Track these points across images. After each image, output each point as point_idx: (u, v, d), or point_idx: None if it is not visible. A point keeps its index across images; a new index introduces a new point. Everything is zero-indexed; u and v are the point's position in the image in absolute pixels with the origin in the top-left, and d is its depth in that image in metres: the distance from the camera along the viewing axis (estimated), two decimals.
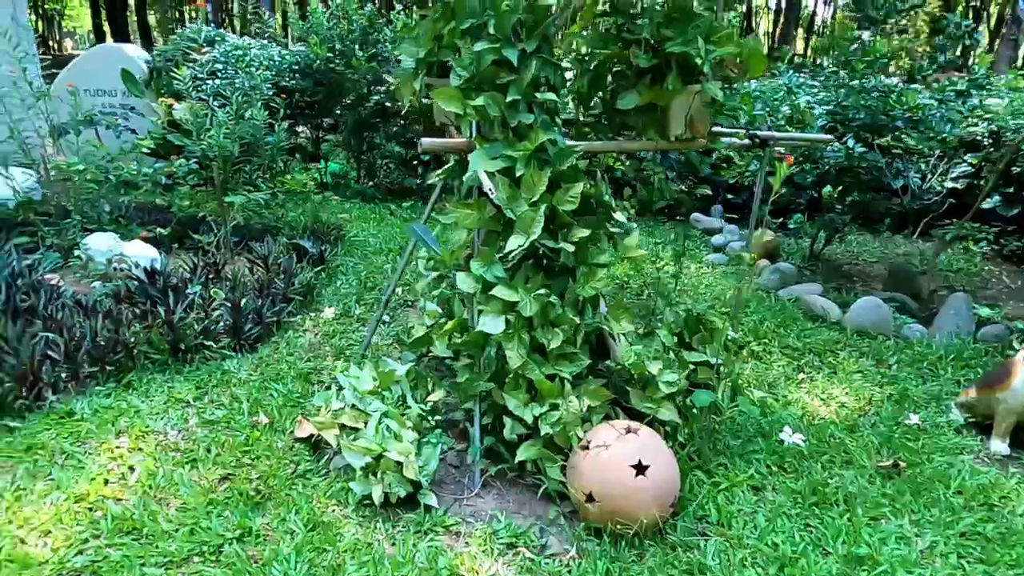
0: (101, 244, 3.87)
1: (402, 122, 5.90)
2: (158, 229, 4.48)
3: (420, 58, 3.18)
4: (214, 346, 3.18)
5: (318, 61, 5.71)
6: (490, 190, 2.38)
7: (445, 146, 2.66)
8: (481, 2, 2.63)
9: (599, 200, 2.71)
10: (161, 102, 5.41)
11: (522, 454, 2.38)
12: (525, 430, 2.41)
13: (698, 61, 2.45)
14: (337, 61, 5.70)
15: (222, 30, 6.44)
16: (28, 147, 4.35)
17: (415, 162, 6.22)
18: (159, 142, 4.35)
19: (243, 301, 3.42)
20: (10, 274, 3.41)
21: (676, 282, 4.27)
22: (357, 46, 5.70)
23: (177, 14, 29.40)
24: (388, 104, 5.65)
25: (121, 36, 21.50)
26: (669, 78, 2.54)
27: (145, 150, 4.34)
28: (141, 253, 3.82)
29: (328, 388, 2.95)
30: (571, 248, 2.46)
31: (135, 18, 26.49)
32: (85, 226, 4.34)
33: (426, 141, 2.57)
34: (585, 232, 2.47)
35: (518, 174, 2.45)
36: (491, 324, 2.38)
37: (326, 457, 2.50)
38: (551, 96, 2.50)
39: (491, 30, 2.52)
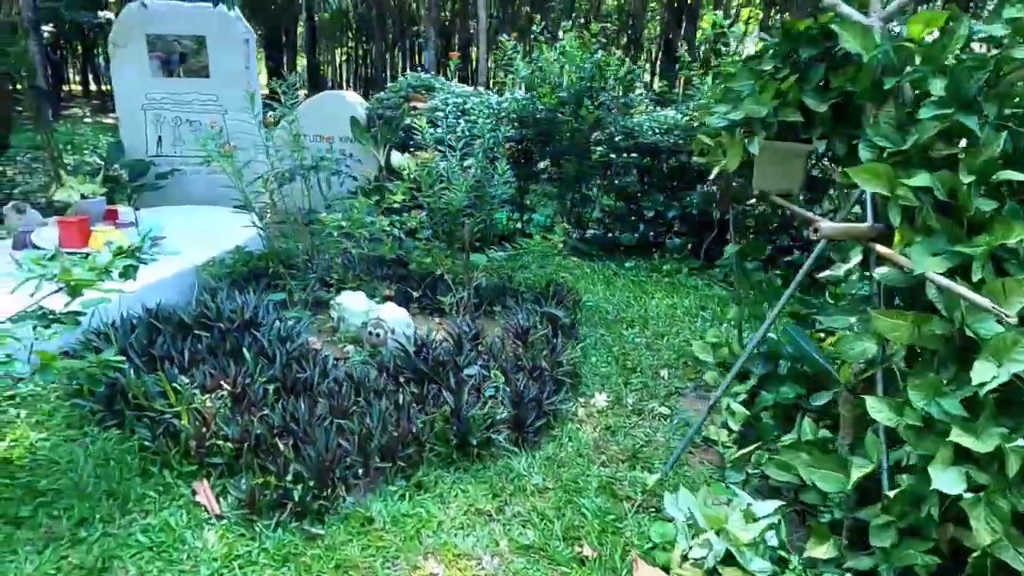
0: (356, 304, 3.66)
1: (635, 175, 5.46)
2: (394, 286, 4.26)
3: (760, 117, 2.69)
4: (501, 440, 2.78)
5: (543, 110, 5.41)
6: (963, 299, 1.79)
7: (849, 233, 2.11)
8: (898, 52, 2.08)
9: None
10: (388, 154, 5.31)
11: None
12: None
13: None
14: (563, 110, 5.38)
15: (441, 77, 6.37)
16: (251, 194, 4.29)
17: (632, 217, 5.74)
18: (406, 196, 4.14)
19: (519, 386, 3.02)
20: (279, 337, 3.23)
21: None
22: (585, 95, 5.36)
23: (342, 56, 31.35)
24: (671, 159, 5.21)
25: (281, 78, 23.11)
26: None
27: (395, 203, 4.14)
28: (397, 317, 3.55)
29: (650, 512, 2.45)
30: None
31: (304, 62, 28.62)
32: (324, 279, 4.19)
33: (826, 226, 2.04)
34: None
35: (975, 278, 1.85)
36: (945, 480, 1.77)
37: None
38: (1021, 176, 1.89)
39: (936, 91, 1.95)
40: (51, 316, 2.45)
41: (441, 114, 5.69)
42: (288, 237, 4.54)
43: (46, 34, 12.57)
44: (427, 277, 4.33)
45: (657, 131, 5.46)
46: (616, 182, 5.66)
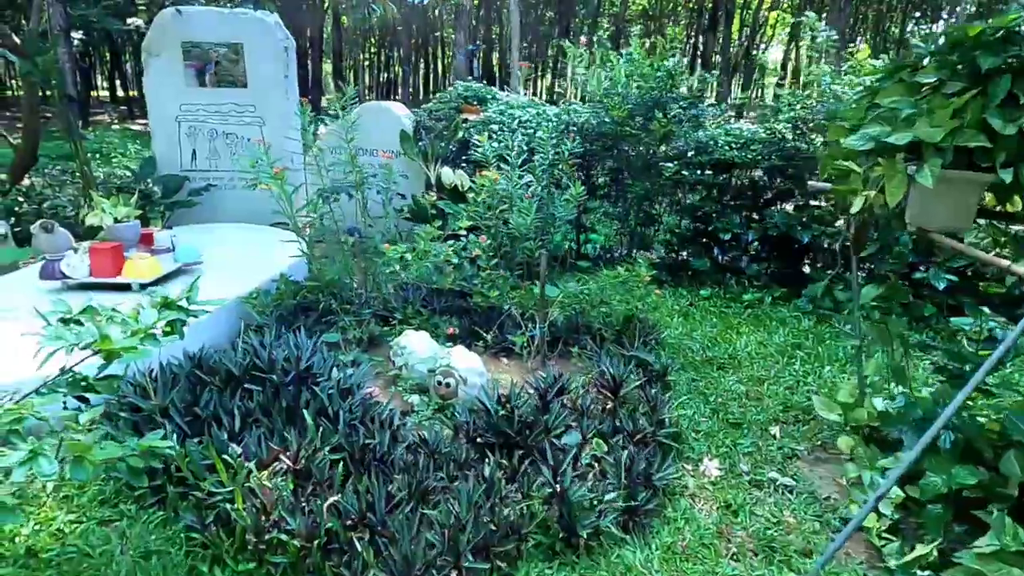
0: (421, 347, 3.23)
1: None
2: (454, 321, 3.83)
3: (934, 142, 2.22)
4: (611, 528, 2.32)
5: (610, 123, 4.96)
6: None
7: None
8: None
9: None
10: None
11: None
12: None
13: None
14: (631, 124, 4.93)
15: (491, 87, 5.94)
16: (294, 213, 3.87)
17: (704, 239, 5.26)
18: (474, 220, 3.71)
19: (623, 456, 2.57)
20: (339, 390, 2.80)
21: None
22: (655, 106, 4.90)
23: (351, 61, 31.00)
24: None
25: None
26: None
27: (462, 229, 3.70)
28: (469, 365, 3.11)
29: None
30: None
31: (329, 67, 28.41)
32: (376, 313, 3.78)
33: None
34: None
35: None
36: None
37: None
38: None
39: None
40: (84, 382, 2.05)
41: (496, 127, 5.26)
42: (329, 259, 4.12)
43: (76, 41, 12.37)
44: (491, 311, 3.89)
45: (733, 145, 4.98)
46: (688, 201, 5.18)
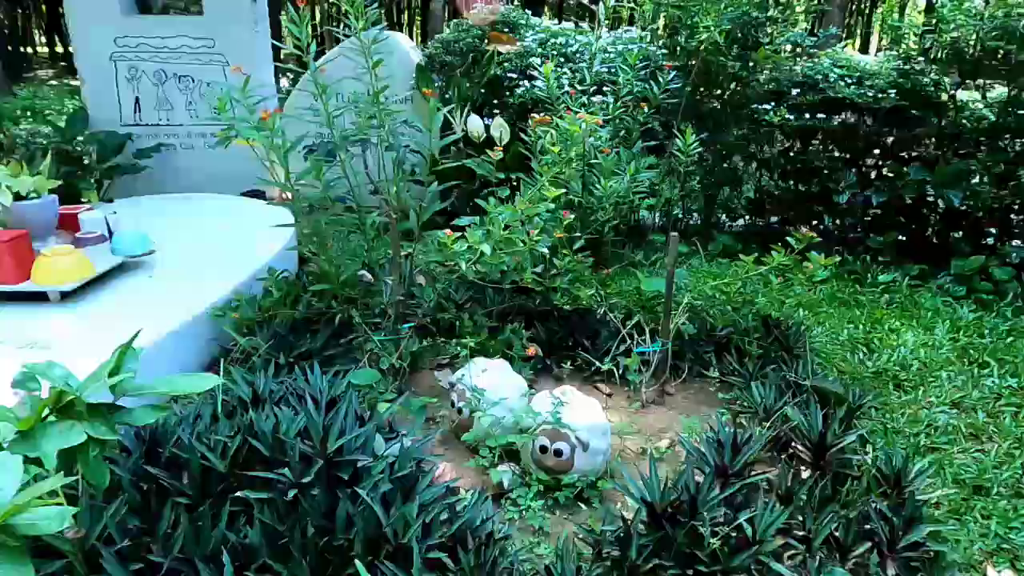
0: (504, 386, 2.09)
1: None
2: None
3: None
4: None
5: (692, 49, 3.77)
6: None
7: None
8: None
9: None
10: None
11: None
12: None
13: None
14: (723, 53, 3.74)
15: (526, 12, 4.63)
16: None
17: (811, 203, 4.15)
18: (559, 196, 2.50)
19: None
20: (399, 487, 1.65)
21: None
22: (754, 30, 3.72)
23: None
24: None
25: None
26: None
27: (546, 209, 2.50)
28: (592, 421, 1.98)
29: None
30: None
31: None
32: (407, 319, 2.61)
33: None
34: None
35: None
36: None
37: None
38: None
39: None
40: None
41: (537, 60, 4.03)
42: (322, 237, 2.91)
43: None
44: (575, 317, 2.76)
45: (848, 81, 3.84)
46: (792, 155, 4.05)
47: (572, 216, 2.67)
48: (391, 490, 1.64)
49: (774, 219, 4.34)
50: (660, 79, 3.49)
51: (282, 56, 8.93)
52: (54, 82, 14.52)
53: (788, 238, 2.63)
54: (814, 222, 4.09)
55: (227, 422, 1.75)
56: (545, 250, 2.48)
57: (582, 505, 1.96)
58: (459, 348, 2.46)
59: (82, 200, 3.73)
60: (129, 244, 2.86)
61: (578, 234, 2.87)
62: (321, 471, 1.62)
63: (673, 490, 1.69)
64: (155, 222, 3.27)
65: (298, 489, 1.57)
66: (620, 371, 2.56)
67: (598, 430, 1.98)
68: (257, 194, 4.46)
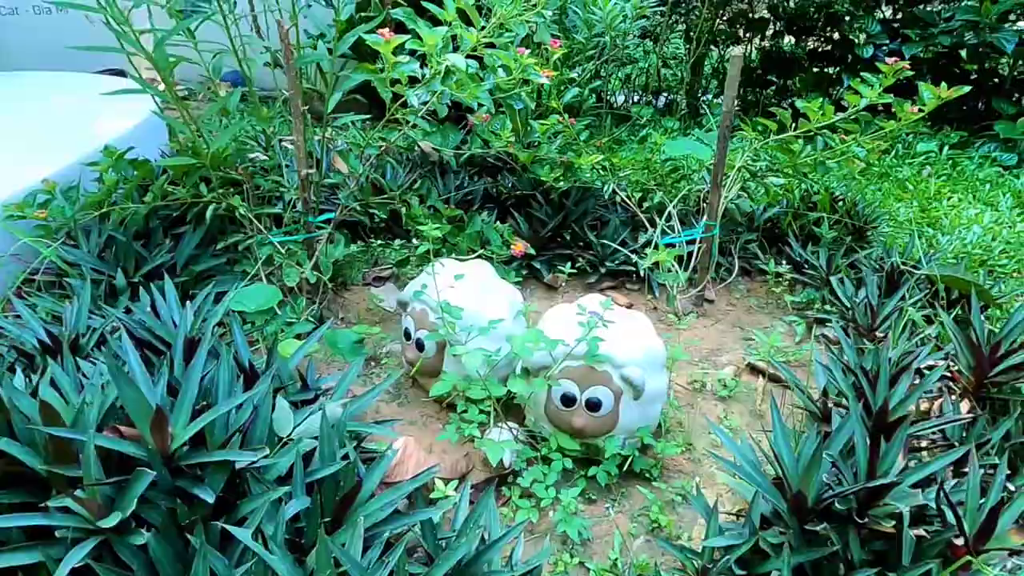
0: (499, 302, 1.28)
1: None
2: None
3: None
4: None
5: None
6: None
7: None
8: None
9: None
10: None
11: None
12: None
13: None
14: None
15: None
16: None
17: (816, 55, 3.39)
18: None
19: None
20: (299, 464, 0.83)
21: None
22: None
23: None
24: None
25: None
26: None
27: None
28: (645, 347, 1.19)
29: None
30: None
31: None
32: (323, 210, 1.73)
33: None
34: None
35: None
36: None
37: None
38: None
39: None
40: None
41: None
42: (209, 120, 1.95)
43: None
44: (570, 197, 1.93)
45: None
46: None
47: (562, 47, 1.79)
48: (307, 511, 0.83)
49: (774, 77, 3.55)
50: None
51: None
52: None
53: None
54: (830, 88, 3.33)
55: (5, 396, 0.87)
56: (543, 79, 1.59)
57: (639, 487, 1.20)
58: (409, 248, 1.60)
59: None
60: None
61: (573, 74, 1.99)
62: (157, 493, 0.78)
63: (815, 463, 0.94)
64: None
65: (101, 538, 0.73)
66: (642, 273, 1.78)
67: (656, 362, 1.20)
68: (119, 73, 3.35)
